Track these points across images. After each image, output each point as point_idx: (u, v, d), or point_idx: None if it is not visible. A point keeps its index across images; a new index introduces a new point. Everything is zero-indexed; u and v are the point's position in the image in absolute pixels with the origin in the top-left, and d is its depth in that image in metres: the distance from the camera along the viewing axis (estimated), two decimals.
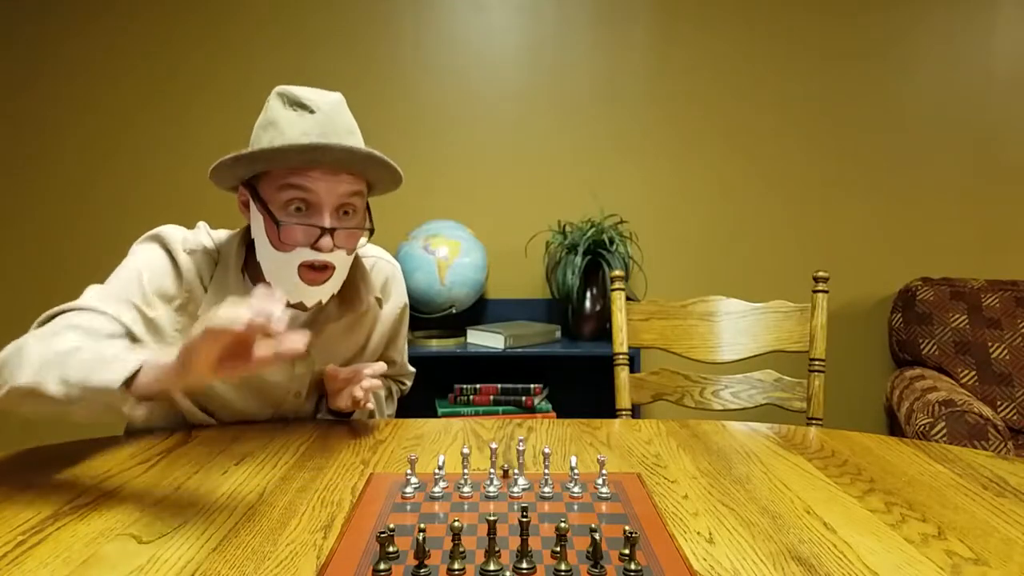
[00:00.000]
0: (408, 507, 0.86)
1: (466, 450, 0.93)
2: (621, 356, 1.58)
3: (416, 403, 2.13)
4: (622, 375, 1.58)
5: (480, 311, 2.56)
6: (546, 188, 2.60)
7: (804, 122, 2.59)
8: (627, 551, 0.70)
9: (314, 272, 1.10)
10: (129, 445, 1.11)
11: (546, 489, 0.90)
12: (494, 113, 2.59)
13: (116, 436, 1.16)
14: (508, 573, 0.69)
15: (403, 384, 1.50)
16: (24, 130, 2.58)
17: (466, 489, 0.90)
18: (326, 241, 1.07)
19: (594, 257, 2.35)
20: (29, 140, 2.58)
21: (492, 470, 0.92)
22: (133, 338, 1.10)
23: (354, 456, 1.07)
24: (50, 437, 1.14)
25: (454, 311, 2.32)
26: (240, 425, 1.24)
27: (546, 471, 0.91)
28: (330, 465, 1.03)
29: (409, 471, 0.91)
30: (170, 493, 0.91)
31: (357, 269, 1.23)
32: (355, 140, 1.11)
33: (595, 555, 0.70)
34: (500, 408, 2.20)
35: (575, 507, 0.86)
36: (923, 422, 1.96)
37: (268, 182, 1.09)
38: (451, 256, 2.26)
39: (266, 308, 0.77)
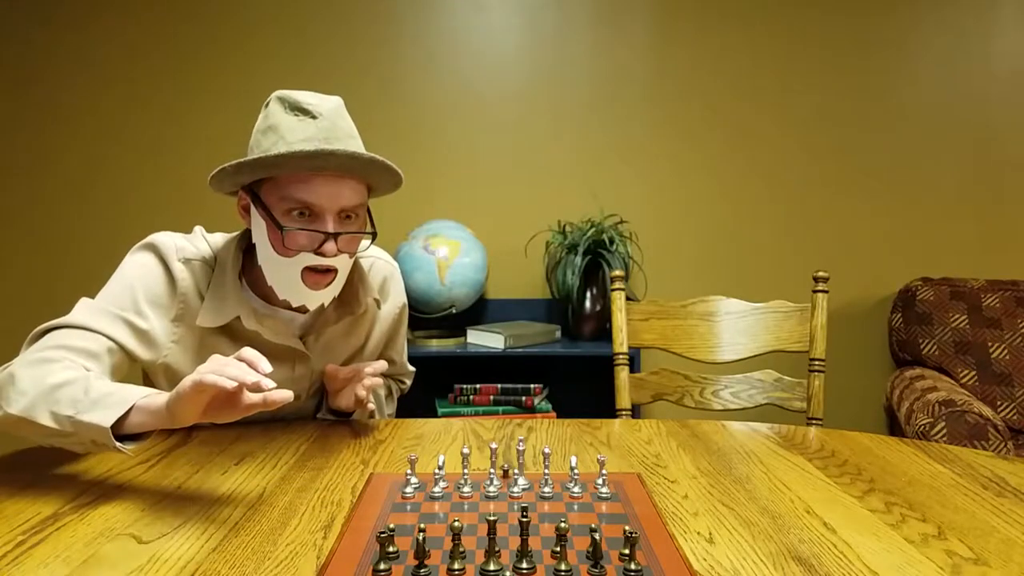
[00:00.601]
0: (408, 507, 0.86)
1: (466, 450, 0.93)
2: (621, 356, 1.58)
3: (416, 403, 2.13)
4: (622, 375, 1.58)
5: (480, 311, 2.56)
6: (546, 188, 2.60)
7: (804, 122, 2.59)
8: (627, 551, 0.70)
9: (317, 275, 1.10)
10: None
11: (546, 489, 0.90)
12: (494, 113, 2.59)
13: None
14: (508, 573, 0.69)
15: (403, 383, 1.50)
16: (24, 130, 2.57)
17: (466, 489, 0.90)
18: (330, 246, 1.07)
19: (594, 257, 2.35)
20: (29, 140, 2.58)
21: (492, 470, 0.92)
22: (125, 352, 1.10)
23: (354, 456, 1.07)
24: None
25: (454, 311, 2.32)
26: (240, 425, 1.23)
27: (546, 471, 0.91)
28: (330, 465, 1.03)
29: (409, 471, 0.91)
30: (170, 493, 0.91)
31: (355, 271, 1.23)
32: (357, 145, 1.11)
33: (595, 555, 0.70)
34: (500, 408, 2.20)
35: (575, 507, 0.86)
36: (923, 422, 1.96)
37: (270, 188, 1.08)
38: (451, 256, 2.26)
39: (255, 367, 0.84)
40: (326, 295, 1.13)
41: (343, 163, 1.05)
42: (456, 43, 2.57)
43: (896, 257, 2.61)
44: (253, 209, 1.11)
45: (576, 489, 0.90)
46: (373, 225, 1.17)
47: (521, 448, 0.94)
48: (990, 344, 2.33)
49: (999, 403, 2.25)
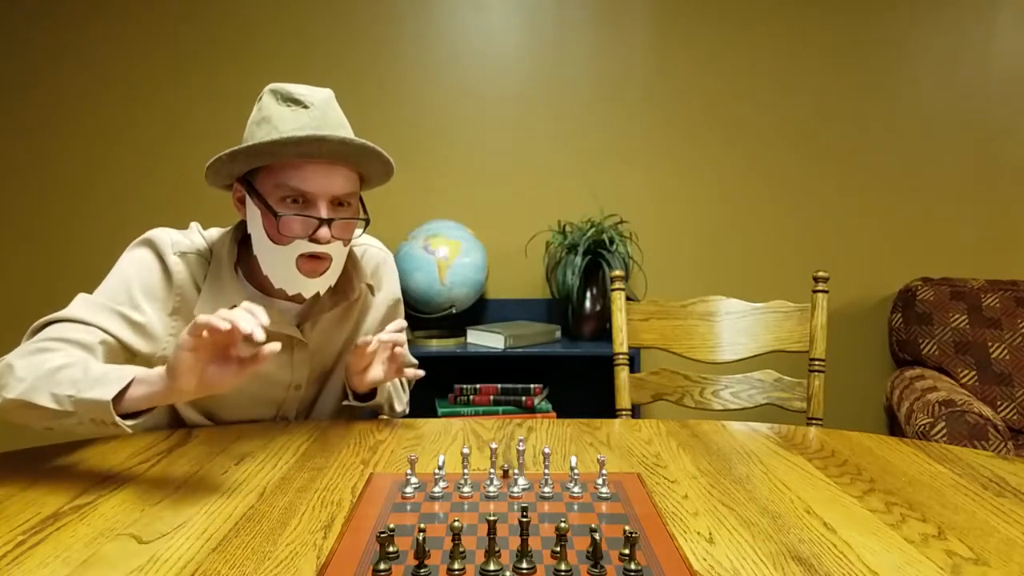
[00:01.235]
0: (408, 507, 0.86)
1: (466, 450, 0.93)
2: (621, 356, 1.58)
3: (416, 403, 2.13)
4: (622, 375, 1.58)
5: (480, 311, 2.56)
6: (546, 188, 2.60)
7: (804, 122, 2.59)
8: (627, 551, 0.70)
9: (312, 263, 1.12)
10: (129, 445, 1.11)
11: (546, 489, 0.90)
12: (494, 113, 2.59)
13: (116, 436, 1.16)
14: (508, 573, 0.69)
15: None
16: (24, 130, 2.57)
17: (466, 489, 0.90)
18: (324, 232, 1.10)
19: (594, 257, 2.35)
20: (29, 140, 2.58)
21: (492, 470, 0.92)
22: (122, 345, 1.11)
23: (354, 456, 1.07)
24: (50, 437, 1.14)
25: (454, 311, 2.32)
26: (240, 425, 1.24)
27: (546, 471, 0.91)
28: (330, 465, 1.03)
29: (409, 471, 0.91)
30: (170, 493, 0.91)
31: (348, 257, 1.24)
32: (346, 133, 1.13)
33: (595, 555, 0.70)
34: (500, 408, 2.20)
35: (575, 507, 0.86)
36: (923, 422, 1.96)
37: (264, 177, 1.11)
38: (451, 256, 2.25)
39: (251, 312, 0.87)
40: (322, 283, 1.15)
41: (334, 149, 1.08)
42: (456, 43, 2.57)
43: (896, 257, 2.61)
44: (248, 200, 1.13)
45: (576, 489, 0.90)
46: (366, 212, 1.19)
47: (521, 448, 0.94)
48: (990, 344, 2.33)
49: (999, 403, 2.25)
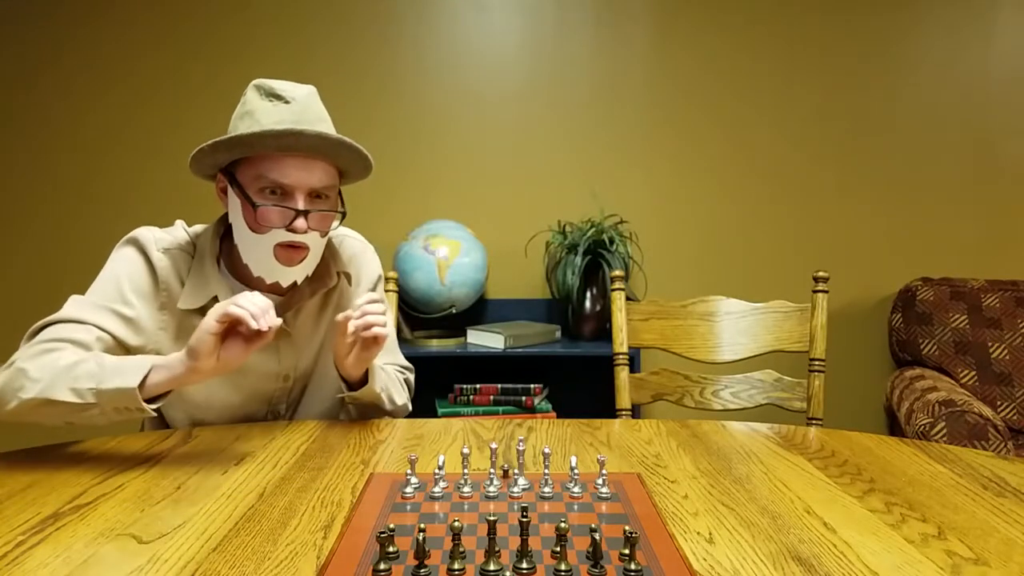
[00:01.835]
0: (408, 507, 0.86)
1: (466, 450, 0.93)
2: (621, 356, 1.58)
3: (416, 403, 2.13)
4: (622, 375, 1.58)
5: (480, 311, 2.56)
6: (546, 188, 2.60)
7: (804, 122, 2.59)
8: (627, 551, 0.70)
9: (290, 251, 1.15)
10: (129, 445, 1.11)
11: (546, 489, 0.90)
12: (494, 113, 2.59)
13: (116, 436, 1.16)
14: (508, 573, 0.69)
15: (406, 374, 1.46)
16: (25, 130, 2.58)
17: (466, 489, 0.90)
18: (300, 223, 1.13)
19: (594, 257, 2.35)
20: (30, 140, 2.58)
21: (492, 470, 0.92)
22: (116, 340, 1.15)
23: (354, 456, 1.07)
24: (50, 437, 1.14)
25: (454, 311, 2.32)
26: (240, 425, 1.24)
27: (546, 471, 0.91)
28: (330, 465, 1.03)
29: (409, 471, 0.91)
30: (170, 493, 0.91)
31: (326, 247, 1.27)
32: (326, 128, 1.16)
33: (595, 555, 0.70)
34: (500, 408, 2.20)
35: (575, 507, 0.86)
36: (923, 422, 1.96)
37: (245, 169, 1.15)
38: (451, 256, 2.25)
39: (262, 303, 0.99)
40: (299, 272, 1.18)
41: (312, 143, 1.12)
42: (456, 43, 2.57)
43: (896, 257, 2.61)
44: (230, 190, 1.17)
45: (576, 489, 0.90)
46: (343, 205, 1.23)
47: (521, 448, 0.94)
48: (990, 344, 2.33)
49: (999, 403, 2.25)
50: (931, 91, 2.57)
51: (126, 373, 0.99)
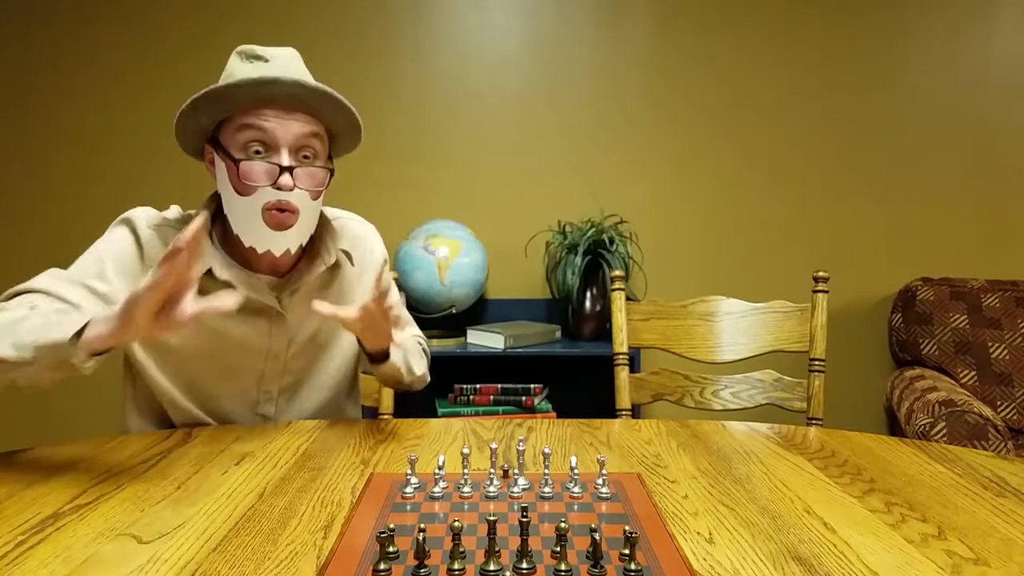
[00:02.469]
0: (408, 507, 0.86)
1: (466, 450, 0.93)
2: (621, 356, 1.58)
3: (416, 403, 2.13)
4: (622, 375, 1.58)
5: (480, 311, 2.56)
6: (546, 188, 2.60)
7: (804, 122, 2.59)
8: (627, 551, 0.70)
9: (279, 215, 1.12)
10: (129, 445, 1.11)
11: (546, 489, 0.90)
12: (494, 113, 2.59)
13: (116, 436, 1.16)
14: (508, 573, 0.69)
15: (423, 344, 1.45)
16: (25, 129, 2.58)
17: (466, 489, 0.90)
18: (286, 179, 1.10)
19: (594, 257, 2.35)
20: (30, 139, 2.58)
21: (492, 470, 0.92)
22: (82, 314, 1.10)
23: (354, 456, 1.07)
24: (50, 437, 1.14)
25: (454, 311, 2.32)
26: (240, 425, 1.24)
27: (546, 471, 0.91)
28: (330, 465, 1.03)
29: (409, 471, 0.91)
30: (170, 493, 0.91)
31: (323, 226, 1.25)
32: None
33: (595, 555, 0.70)
34: (500, 408, 2.20)
35: (575, 507, 0.86)
36: (923, 422, 1.96)
37: (227, 129, 1.13)
38: (451, 256, 2.26)
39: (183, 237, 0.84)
40: (290, 239, 1.14)
41: (291, 92, 1.10)
42: (456, 43, 2.57)
43: (896, 257, 2.61)
44: (216, 159, 1.15)
45: (576, 489, 0.90)
46: (331, 162, 1.20)
47: (521, 448, 0.94)
48: (990, 344, 2.33)
49: (999, 403, 2.25)
50: (931, 91, 2.57)
51: (63, 325, 0.93)
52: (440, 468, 0.90)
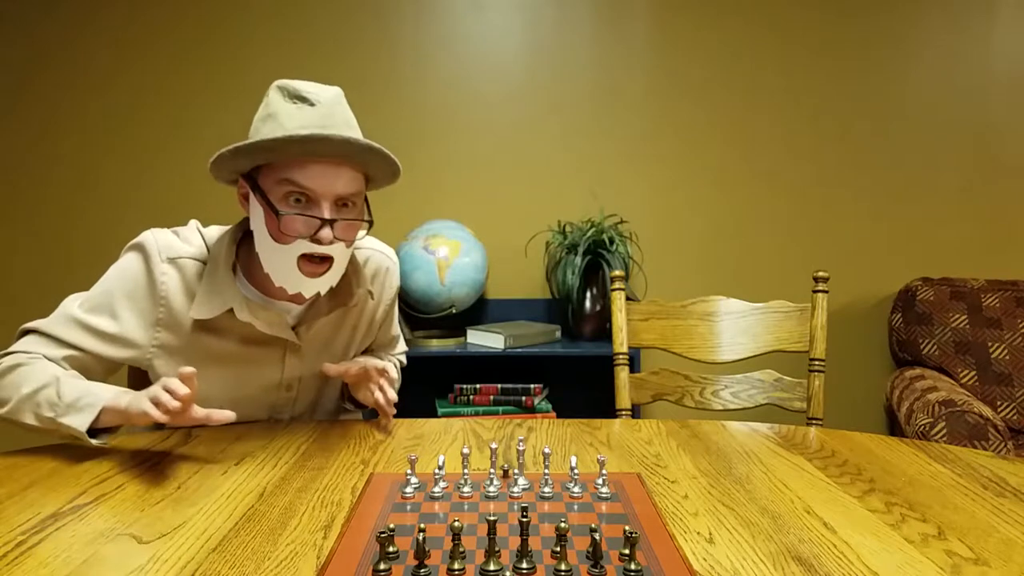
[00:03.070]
0: (408, 507, 0.86)
1: (466, 450, 0.93)
2: (621, 356, 1.58)
3: (416, 403, 2.13)
4: (622, 375, 1.58)
5: (480, 311, 2.56)
6: (546, 188, 2.60)
7: (804, 122, 2.59)
8: (627, 551, 0.70)
9: (314, 264, 1.10)
10: (129, 445, 1.11)
11: (546, 489, 0.90)
12: (494, 113, 2.59)
13: (116, 436, 1.16)
14: (508, 573, 0.69)
15: (401, 359, 1.51)
16: (26, 128, 2.58)
17: (466, 489, 0.90)
18: (326, 233, 1.07)
19: (594, 257, 2.35)
20: (30, 137, 2.58)
21: (492, 470, 0.92)
22: (95, 356, 1.16)
23: (354, 456, 1.07)
24: (50, 437, 1.14)
25: (454, 311, 2.32)
26: (240, 425, 1.24)
27: (546, 471, 0.91)
28: (330, 465, 1.03)
29: (409, 471, 0.91)
30: (170, 493, 0.91)
31: (349, 263, 1.23)
32: (354, 132, 1.11)
33: (595, 555, 0.70)
34: (500, 408, 2.20)
35: (575, 507, 0.86)
36: (923, 422, 1.96)
37: (268, 174, 1.08)
38: (451, 256, 2.25)
39: (176, 395, 0.96)
40: (323, 283, 1.13)
41: (338, 149, 1.05)
42: (456, 43, 2.57)
43: (896, 257, 2.61)
44: (252, 197, 1.11)
45: (576, 489, 0.90)
46: (370, 214, 1.17)
47: (521, 448, 0.94)
48: (990, 344, 2.33)
49: (999, 403, 2.25)
50: (931, 91, 2.57)
51: (80, 412, 1.04)
52: (440, 468, 0.90)
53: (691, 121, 2.59)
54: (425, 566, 0.69)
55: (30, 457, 1.06)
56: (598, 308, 2.38)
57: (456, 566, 0.69)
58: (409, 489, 0.90)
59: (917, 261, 2.60)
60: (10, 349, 1.15)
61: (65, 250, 2.60)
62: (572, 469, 0.92)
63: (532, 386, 2.21)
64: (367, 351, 1.41)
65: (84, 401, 1.04)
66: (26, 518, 0.83)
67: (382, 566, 0.69)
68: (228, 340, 1.19)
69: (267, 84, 1.16)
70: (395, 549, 0.72)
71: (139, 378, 1.27)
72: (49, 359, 1.13)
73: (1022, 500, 0.91)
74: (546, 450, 0.93)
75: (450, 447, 1.13)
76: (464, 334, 2.36)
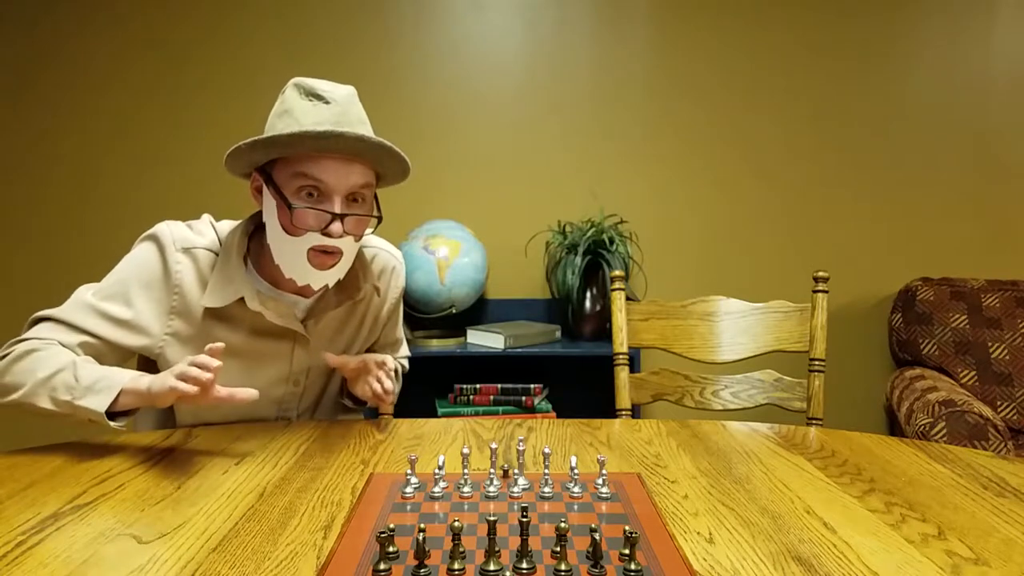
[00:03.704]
0: (408, 507, 0.86)
1: (466, 450, 0.93)
2: (621, 356, 1.58)
3: (416, 403, 2.13)
4: (622, 375, 1.58)
5: (480, 311, 2.56)
6: (546, 188, 2.60)
7: (804, 122, 2.59)
8: (627, 551, 0.70)
9: (323, 256, 1.13)
10: (129, 445, 1.11)
11: (546, 489, 0.90)
12: (494, 113, 2.59)
13: (116, 436, 1.16)
14: (508, 573, 0.69)
15: (404, 363, 1.51)
16: (26, 128, 2.57)
17: (466, 489, 0.90)
18: (336, 227, 1.11)
19: (594, 257, 2.35)
20: (30, 137, 2.58)
21: (492, 470, 0.92)
22: (108, 343, 1.16)
23: (354, 456, 1.07)
24: (50, 437, 1.14)
25: (454, 311, 2.32)
26: (240, 425, 1.24)
27: (546, 471, 0.91)
28: (330, 465, 1.03)
29: (409, 471, 0.91)
30: (170, 493, 0.91)
31: (357, 258, 1.26)
32: (367, 130, 1.14)
33: (595, 555, 0.70)
34: (500, 408, 2.20)
35: (575, 507, 0.86)
36: (923, 422, 1.96)
37: (282, 168, 1.12)
38: (451, 256, 2.25)
39: (208, 367, 0.98)
40: (331, 276, 1.16)
41: (352, 145, 1.09)
42: (456, 43, 2.57)
43: (896, 257, 2.61)
44: (265, 189, 1.15)
45: (576, 489, 0.90)
46: (379, 210, 1.20)
47: (521, 448, 0.94)
48: (990, 344, 2.33)
49: (999, 403, 2.25)
50: (931, 91, 2.57)
51: (98, 394, 1.04)
52: (440, 468, 0.90)
53: (691, 121, 2.59)
54: (425, 566, 0.69)
55: (30, 457, 1.06)
56: (598, 308, 2.38)
57: (456, 566, 0.69)
58: (409, 489, 0.90)
59: (917, 261, 2.60)
60: (23, 336, 1.14)
61: (65, 250, 2.60)
62: (572, 469, 0.92)
63: (532, 386, 2.21)
64: (370, 352, 1.41)
65: (102, 384, 1.05)
66: (26, 518, 0.83)
67: (382, 566, 0.69)
68: (238, 331, 1.21)
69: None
70: (395, 549, 0.72)
71: (147, 370, 1.27)
72: (64, 345, 1.13)
73: (1022, 500, 0.91)
74: (546, 450, 0.93)
75: (450, 447, 1.13)
76: (464, 334, 2.36)
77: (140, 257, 1.19)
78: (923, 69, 2.57)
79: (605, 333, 2.37)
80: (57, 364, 1.08)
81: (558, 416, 2.19)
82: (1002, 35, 2.55)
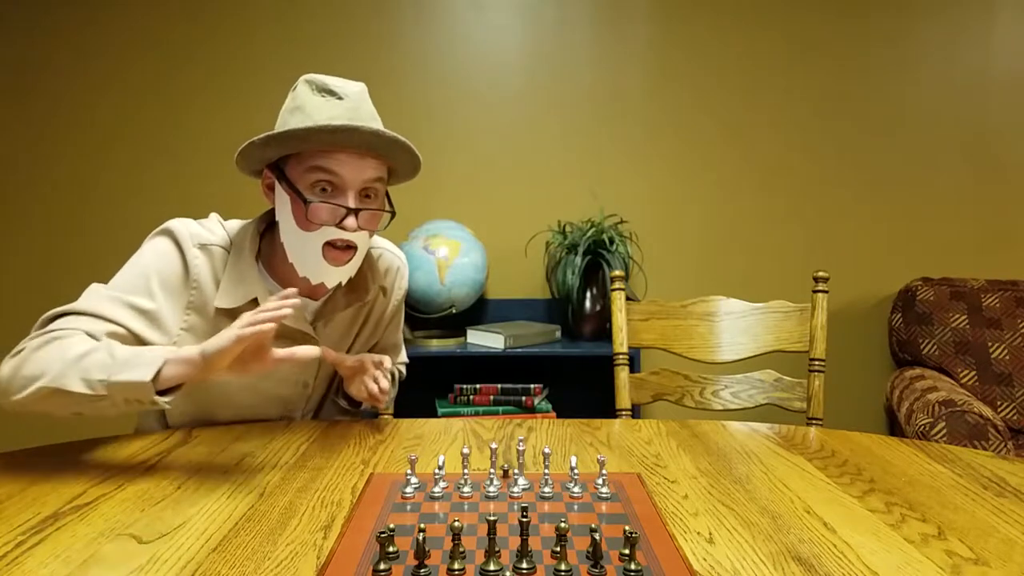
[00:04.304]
0: (408, 507, 0.86)
1: (466, 450, 0.93)
2: (621, 356, 1.58)
3: (416, 403, 2.13)
4: (622, 375, 1.58)
5: (480, 311, 2.56)
6: (546, 188, 2.60)
7: (804, 122, 2.59)
8: (627, 551, 0.70)
9: (337, 251, 1.13)
10: (129, 445, 1.11)
11: (546, 489, 0.90)
12: (494, 113, 2.59)
13: (116, 436, 1.16)
14: (508, 573, 0.69)
15: (401, 370, 1.51)
16: (26, 128, 2.57)
17: (466, 489, 0.90)
18: (351, 221, 1.11)
19: (594, 257, 2.35)
20: (30, 137, 2.58)
21: (492, 470, 0.92)
22: (132, 334, 1.11)
23: (354, 456, 1.07)
24: (50, 437, 1.14)
25: (454, 311, 2.32)
26: (240, 425, 1.24)
27: (546, 471, 0.91)
28: (330, 465, 1.03)
29: (409, 471, 0.91)
30: (170, 493, 0.91)
31: (365, 260, 1.26)
32: (379, 126, 1.14)
33: (595, 555, 0.70)
34: (500, 408, 2.20)
35: (575, 507, 0.86)
36: (923, 422, 1.96)
37: (295, 164, 1.12)
38: (451, 256, 2.26)
39: (280, 302, 0.95)
40: (344, 273, 1.16)
41: (366, 140, 1.09)
42: (456, 43, 2.57)
43: (896, 257, 2.61)
44: (278, 186, 1.15)
45: (576, 489, 0.90)
46: (391, 205, 1.20)
47: (521, 448, 0.94)
48: (990, 344, 2.33)
49: (999, 403, 2.25)
50: (931, 91, 2.57)
51: (139, 366, 0.95)
52: (440, 468, 0.90)
53: (691, 121, 2.59)
54: (425, 566, 0.69)
55: (30, 457, 1.05)
56: (598, 308, 2.38)
57: (456, 566, 0.69)
58: (409, 489, 0.90)
59: (917, 261, 2.60)
60: (43, 331, 1.06)
61: (65, 250, 2.60)
62: (572, 469, 0.92)
63: (532, 386, 2.21)
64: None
65: (142, 358, 0.97)
66: (26, 518, 0.83)
67: (382, 566, 0.69)
68: None
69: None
70: (395, 549, 0.72)
71: None
72: (92, 335, 1.06)
73: (1022, 500, 0.91)
74: (546, 450, 0.93)
75: (450, 447, 1.13)
76: (464, 334, 2.36)
77: (158, 251, 1.16)
78: (923, 69, 2.57)
79: (605, 333, 2.37)
80: (88, 346, 1.00)
81: (558, 416, 2.19)
82: (1001, 35, 2.55)
